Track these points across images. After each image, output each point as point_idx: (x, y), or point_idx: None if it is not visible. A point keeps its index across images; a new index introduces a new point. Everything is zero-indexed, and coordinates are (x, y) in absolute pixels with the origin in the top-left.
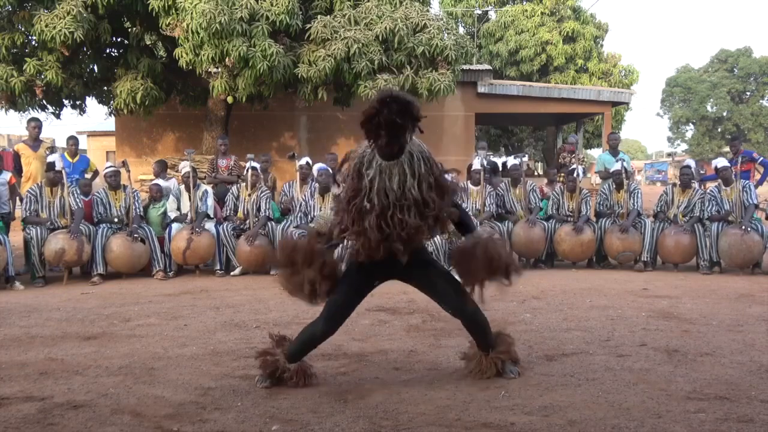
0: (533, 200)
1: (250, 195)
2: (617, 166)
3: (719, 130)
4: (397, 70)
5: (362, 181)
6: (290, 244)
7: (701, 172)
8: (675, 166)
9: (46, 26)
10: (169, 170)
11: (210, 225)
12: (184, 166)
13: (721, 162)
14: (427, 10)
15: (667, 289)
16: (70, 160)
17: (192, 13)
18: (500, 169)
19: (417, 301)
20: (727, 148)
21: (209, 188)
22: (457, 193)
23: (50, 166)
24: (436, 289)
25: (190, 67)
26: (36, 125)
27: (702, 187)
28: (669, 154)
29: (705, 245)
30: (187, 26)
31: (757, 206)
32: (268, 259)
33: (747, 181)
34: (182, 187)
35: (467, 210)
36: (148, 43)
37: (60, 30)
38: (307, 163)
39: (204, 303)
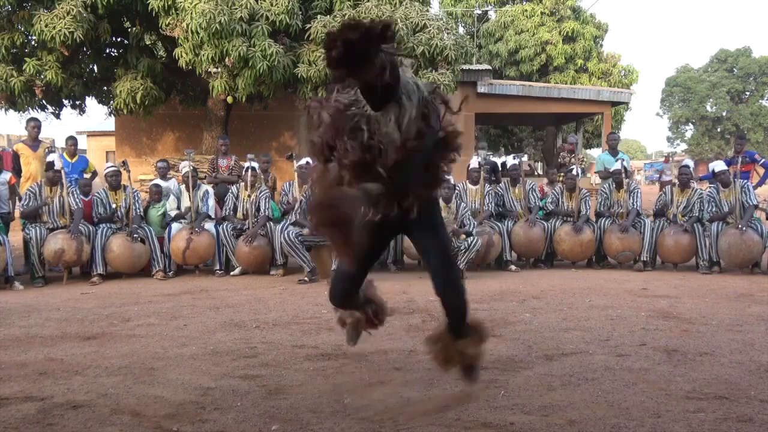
0: (533, 200)
1: (249, 195)
2: (617, 165)
3: (719, 130)
4: None
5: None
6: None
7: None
8: (674, 166)
9: (46, 26)
10: (169, 170)
11: (210, 225)
12: (185, 166)
13: (719, 166)
14: (427, 10)
15: (666, 288)
16: (69, 160)
17: (192, 13)
18: (500, 168)
19: (417, 301)
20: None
21: (210, 188)
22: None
23: (49, 165)
24: (422, 249)
25: (190, 67)
26: (35, 125)
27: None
28: (666, 155)
29: (704, 245)
30: (187, 26)
31: (757, 206)
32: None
33: (746, 181)
34: (182, 187)
35: (466, 209)
36: (147, 43)
37: (60, 30)
38: (307, 162)
39: (204, 303)
